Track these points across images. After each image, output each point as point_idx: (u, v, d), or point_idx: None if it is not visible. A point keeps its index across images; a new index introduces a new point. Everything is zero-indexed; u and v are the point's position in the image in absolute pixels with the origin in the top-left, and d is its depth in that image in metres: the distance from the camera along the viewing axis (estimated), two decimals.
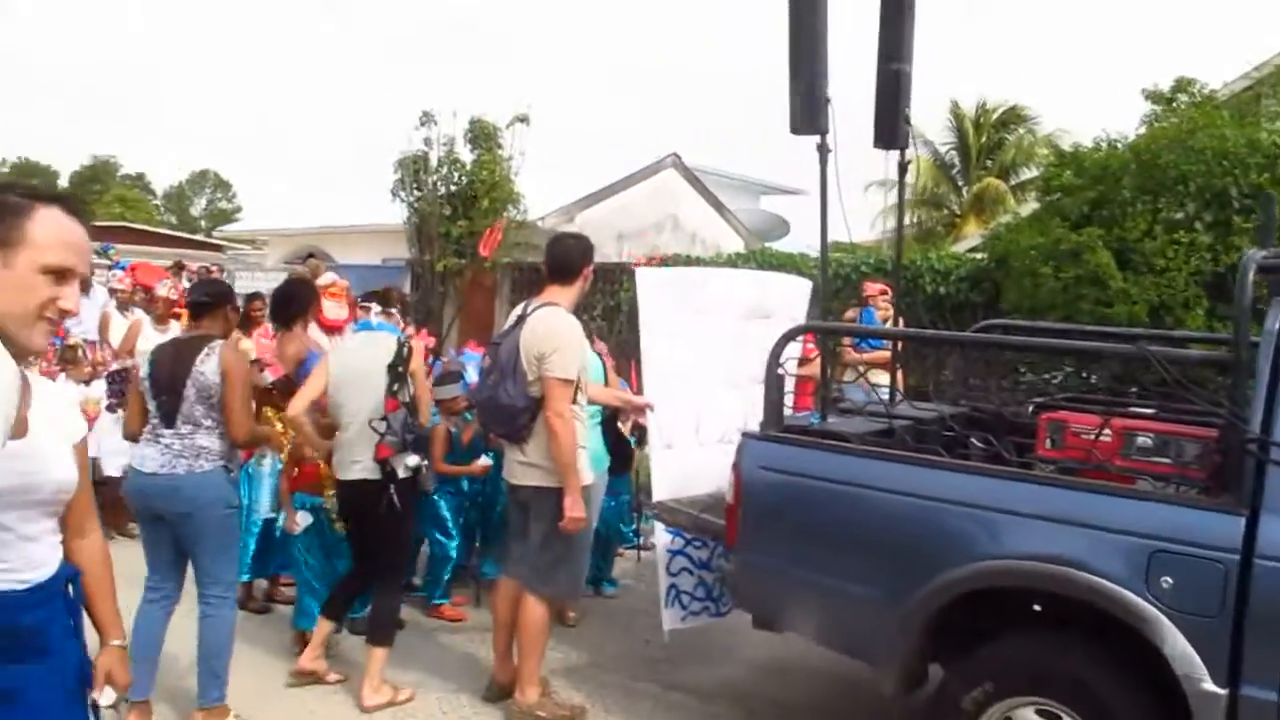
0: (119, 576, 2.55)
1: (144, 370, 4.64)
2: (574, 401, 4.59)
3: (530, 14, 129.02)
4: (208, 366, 4.48)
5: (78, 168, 74.07)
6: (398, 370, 4.86)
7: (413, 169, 15.50)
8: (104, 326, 8.72)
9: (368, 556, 5.04)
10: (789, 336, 4.62)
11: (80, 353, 7.83)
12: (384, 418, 4.81)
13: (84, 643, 2.37)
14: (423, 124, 15.49)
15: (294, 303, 6.22)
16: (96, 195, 67.29)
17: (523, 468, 4.69)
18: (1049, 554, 3.45)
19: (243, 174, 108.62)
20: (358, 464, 4.85)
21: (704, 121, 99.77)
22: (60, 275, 2.01)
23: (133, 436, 4.68)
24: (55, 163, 73.95)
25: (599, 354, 6.21)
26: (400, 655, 5.16)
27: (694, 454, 5.30)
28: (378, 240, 18.29)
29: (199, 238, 42.65)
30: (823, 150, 5.39)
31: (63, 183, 71.66)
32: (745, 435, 4.49)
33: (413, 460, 4.83)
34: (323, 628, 5.11)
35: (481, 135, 15.54)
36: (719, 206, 19.22)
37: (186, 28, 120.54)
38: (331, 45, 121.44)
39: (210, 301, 4.79)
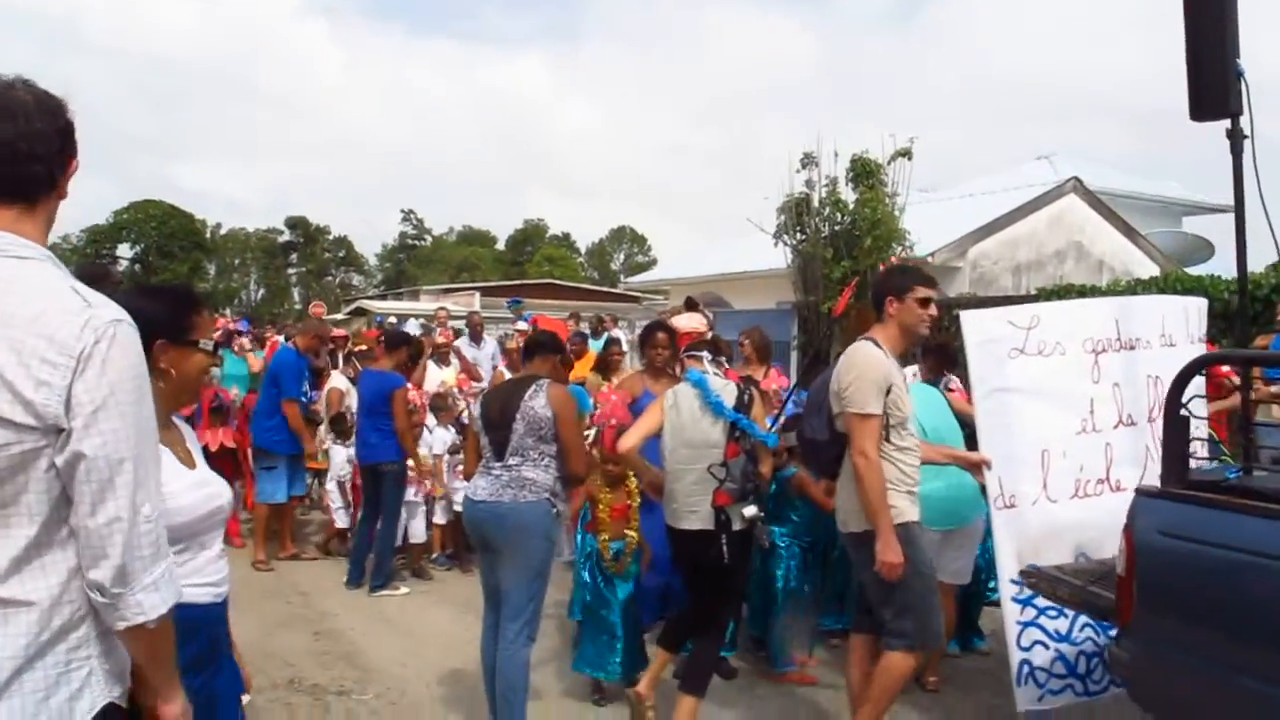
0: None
1: (477, 410, 4.96)
2: (887, 439, 4.26)
3: (904, 43, 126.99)
4: (537, 401, 4.70)
5: (512, 231, 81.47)
6: (742, 415, 4.73)
7: (795, 212, 15.49)
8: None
9: (699, 601, 4.92)
10: (1195, 367, 3.86)
11: (450, 400, 8.47)
12: (724, 463, 4.63)
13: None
14: (804, 166, 15.49)
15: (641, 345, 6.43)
16: (529, 255, 73.72)
17: (841, 511, 4.45)
18: None
19: (657, 227, 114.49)
20: (695, 514, 4.70)
21: (1111, 139, 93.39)
22: None
23: (470, 474, 5.00)
24: (494, 228, 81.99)
25: (951, 390, 5.78)
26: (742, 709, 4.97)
27: (1043, 513, 4.71)
28: (772, 285, 18.38)
29: (616, 290, 45.33)
30: (1235, 137, 4.54)
31: (500, 246, 79.21)
32: (1141, 493, 3.74)
33: (750, 510, 4.64)
34: (660, 658, 5.03)
35: (863, 173, 15.26)
36: (1129, 231, 17.65)
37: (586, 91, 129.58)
38: (733, 93, 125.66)
39: (544, 342, 5.04)
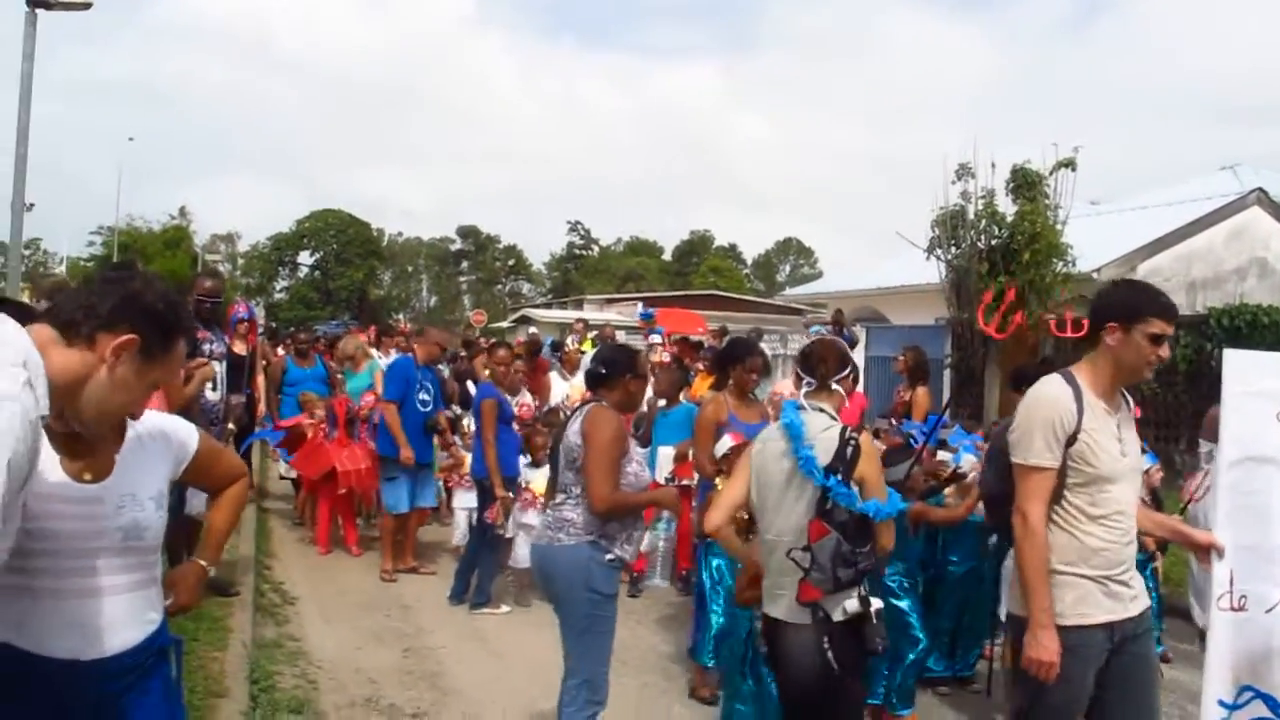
0: None
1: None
2: (1067, 502, 3.38)
3: (1085, 50, 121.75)
4: (572, 428, 4.23)
5: (678, 242, 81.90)
6: (835, 477, 3.56)
7: (949, 225, 14.85)
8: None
9: (795, 710, 3.87)
10: None
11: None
12: (806, 547, 3.53)
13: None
14: (959, 178, 14.84)
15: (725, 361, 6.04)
16: (695, 266, 73.84)
17: (1012, 586, 3.64)
18: None
19: (824, 238, 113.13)
20: (781, 599, 3.70)
21: None
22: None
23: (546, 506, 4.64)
24: (660, 238, 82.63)
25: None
26: None
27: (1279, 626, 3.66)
28: (930, 300, 17.66)
29: (777, 302, 44.78)
30: None
31: (666, 257, 79.67)
32: None
33: (851, 605, 3.52)
34: None
35: (1024, 184, 14.50)
36: None
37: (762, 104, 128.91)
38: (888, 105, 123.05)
39: (606, 374, 4.35)
